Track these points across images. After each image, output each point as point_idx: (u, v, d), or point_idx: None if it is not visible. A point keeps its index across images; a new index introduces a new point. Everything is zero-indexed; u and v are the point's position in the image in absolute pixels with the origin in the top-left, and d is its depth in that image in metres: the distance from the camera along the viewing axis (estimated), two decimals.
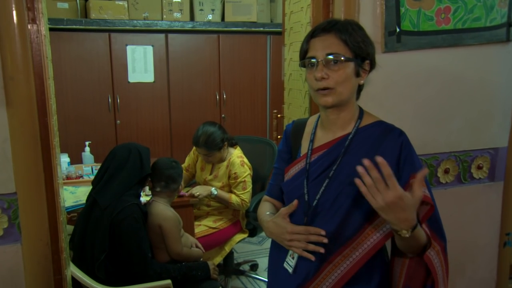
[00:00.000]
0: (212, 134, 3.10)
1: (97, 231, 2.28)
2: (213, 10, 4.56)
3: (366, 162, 1.20)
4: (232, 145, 3.32)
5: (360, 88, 1.49)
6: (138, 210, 2.32)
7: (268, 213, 1.56)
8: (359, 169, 1.21)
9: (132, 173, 2.38)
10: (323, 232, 1.37)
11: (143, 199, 2.63)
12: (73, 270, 2.15)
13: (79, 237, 2.36)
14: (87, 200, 2.43)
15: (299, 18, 2.31)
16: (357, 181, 1.23)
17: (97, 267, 2.24)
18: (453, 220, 2.15)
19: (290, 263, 1.48)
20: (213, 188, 3.15)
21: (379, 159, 1.18)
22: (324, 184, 1.43)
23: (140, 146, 2.47)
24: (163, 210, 2.53)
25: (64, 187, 2.89)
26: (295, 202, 1.43)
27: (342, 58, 1.36)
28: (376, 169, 1.20)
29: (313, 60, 1.39)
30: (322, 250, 1.38)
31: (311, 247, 1.38)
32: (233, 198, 3.16)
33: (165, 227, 2.48)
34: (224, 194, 3.17)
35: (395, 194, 1.18)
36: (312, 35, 1.43)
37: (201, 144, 3.11)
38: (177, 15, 4.46)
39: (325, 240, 1.37)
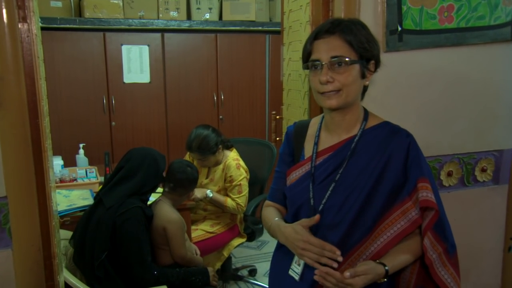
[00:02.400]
0: (206, 138, 3.05)
1: (98, 230, 2.27)
2: (210, 8, 4.52)
3: (316, 278, 1.32)
4: (228, 147, 3.27)
5: (364, 88, 1.48)
6: (142, 213, 2.31)
7: (277, 218, 1.52)
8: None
9: (143, 181, 2.37)
10: (338, 252, 1.33)
11: (152, 197, 2.60)
12: (67, 276, 2.12)
13: (80, 235, 2.35)
14: (94, 199, 2.44)
15: (298, 17, 2.28)
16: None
17: (96, 266, 2.23)
18: (457, 224, 2.11)
19: (296, 270, 1.46)
20: (209, 190, 3.11)
21: (326, 270, 1.32)
22: (330, 188, 1.42)
23: (156, 154, 2.47)
24: (169, 213, 2.52)
25: (58, 190, 2.87)
26: (317, 217, 1.38)
27: (347, 60, 1.35)
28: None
29: (318, 63, 1.37)
30: (335, 265, 1.34)
31: (324, 260, 1.34)
32: (229, 202, 3.12)
33: (169, 230, 2.47)
34: (220, 197, 3.13)
35: (358, 284, 1.29)
36: (315, 36, 1.41)
37: (194, 148, 3.06)
38: (173, 14, 4.42)
39: (340, 259, 1.33)
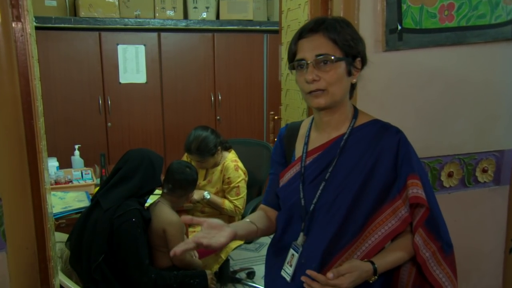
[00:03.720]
0: (205, 139, 3.03)
1: (95, 232, 2.25)
2: (207, 8, 4.51)
3: (303, 278, 1.30)
4: (226, 148, 3.26)
5: (353, 86, 1.47)
6: (139, 216, 2.29)
7: (248, 220, 1.50)
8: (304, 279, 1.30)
9: (141, 184, 2.35)
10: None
11: (150, 200, 2.58)
12: (62, 279, 2.10)
13: (76, 237, 2.33)
14: (91, 201, 2.42)
15: (297, 16, 2.26)
16: None
17: (93, 269, 2.22)
18: (457, 226, 2.11)
19: (287, 271, 1.44)
20: (206, 192, 3.09)
21: (309, 272, 1.29)
22: (321, 187, 1.41)
23: (154, 155, 2.45)
24: (168, 214, 2.51)
25: (53, 192, 2.84)
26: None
27: (332, 58, 1.34)
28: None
29: (303, 62, 1.37)
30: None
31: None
32: (226, 204, 3.10)
33: (169, 232, 2.45)
34: (217, 199, 3.11)
35: (344, 283, 1.27)
36: (299, 36, 1.41)
37: (193, 150, 3.04)
38: (170, 13, 4.40)
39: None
